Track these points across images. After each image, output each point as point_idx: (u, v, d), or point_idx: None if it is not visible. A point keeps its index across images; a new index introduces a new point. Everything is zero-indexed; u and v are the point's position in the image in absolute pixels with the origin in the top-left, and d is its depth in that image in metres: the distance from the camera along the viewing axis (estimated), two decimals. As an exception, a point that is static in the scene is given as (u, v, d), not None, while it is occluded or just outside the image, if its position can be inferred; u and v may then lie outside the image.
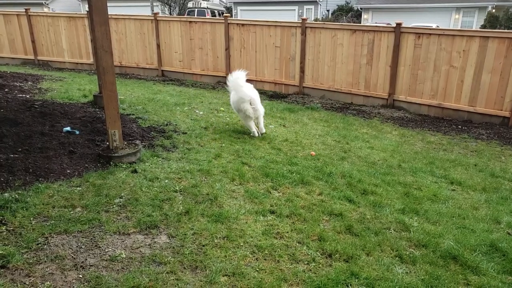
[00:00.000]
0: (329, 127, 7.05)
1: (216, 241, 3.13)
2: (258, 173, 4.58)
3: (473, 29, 20.55)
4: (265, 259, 2.96)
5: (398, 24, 8.37)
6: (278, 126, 6.89)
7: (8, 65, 12.40)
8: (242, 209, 3.67)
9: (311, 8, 29.64)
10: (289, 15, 29.23)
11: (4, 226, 3.07)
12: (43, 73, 11.09)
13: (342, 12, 28.95)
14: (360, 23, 25.35)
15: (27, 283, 2.52)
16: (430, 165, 5.39)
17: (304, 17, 10.73)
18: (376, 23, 22.88)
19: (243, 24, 10.33)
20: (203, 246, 3.06)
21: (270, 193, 4.10)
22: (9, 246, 2.85)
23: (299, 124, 7.12)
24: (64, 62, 12.51)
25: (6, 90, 7.79)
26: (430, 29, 8.57)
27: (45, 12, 14.55)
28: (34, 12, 12.48)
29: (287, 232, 3.34)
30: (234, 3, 32.40)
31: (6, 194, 3.52)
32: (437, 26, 18.65)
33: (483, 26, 21.54)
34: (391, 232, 3.48)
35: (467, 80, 7.78)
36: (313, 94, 9.77)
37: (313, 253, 3.07)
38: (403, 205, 4.03)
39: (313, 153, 5.46)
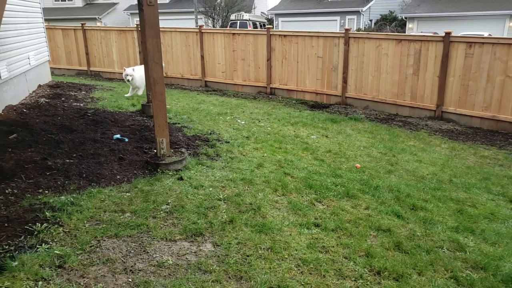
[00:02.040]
0: (374, 139, 6.85)
1: (260, 252, 3.11)
2: (301, 184, 4.52)
3: (530, 37, 19.27)
4: (310, 273, 2.89)
5: (447, 33, 8.03)
6: (320, 136, 6.80)
7: (64, 76, 13.28)
8: (285, 220, 3.63)
9: (354, 18, 29.23)
10: (331, 25, 28.98)
11: (61, 228, 3.25)
12: (95, 83, 11.76)
13: (386, 22, 28.30)
14: (405, 32, 24.63)
15: (81, 283, 2.63)
16: (485, 181, 5.06)
17: (347, 27, 10.60)
18: (422, 32, 22.12)
19: (285, 35, 10.38)
20: (248, 256, 3.05)
21: (314, 205, 4.03)
22: (65, 247, 3.00)
23: (342, 135, 6.98)
24: (114, 72, 13.20)
25: (62, 99, 8.33)
26: (482, 37, 8.15)
27: (98, 26, 15.47)
28: (89, 27, 13.32)
29: (333, 247, 3.25)
30: (276, 14, 32.72)
31: (63, 197, 3.73)
32: (489, 35, 17.69)
33: (542, 34, 20.14)
34: (444, 251, 3.29)
35: (525, 91, 7.28)
36: (356, 104, 9.57)
37: (361, 270, 2.96)
38: (456, 222, 3.80)
39: (358, 165, 5.31)
